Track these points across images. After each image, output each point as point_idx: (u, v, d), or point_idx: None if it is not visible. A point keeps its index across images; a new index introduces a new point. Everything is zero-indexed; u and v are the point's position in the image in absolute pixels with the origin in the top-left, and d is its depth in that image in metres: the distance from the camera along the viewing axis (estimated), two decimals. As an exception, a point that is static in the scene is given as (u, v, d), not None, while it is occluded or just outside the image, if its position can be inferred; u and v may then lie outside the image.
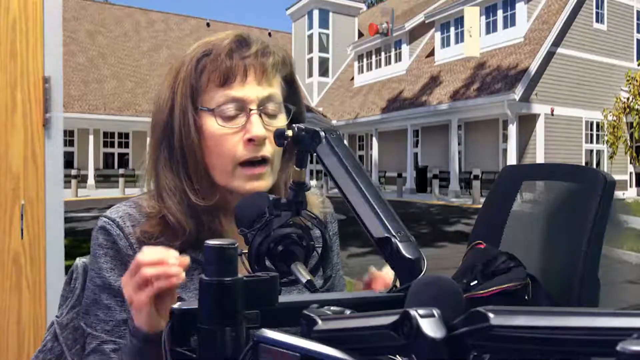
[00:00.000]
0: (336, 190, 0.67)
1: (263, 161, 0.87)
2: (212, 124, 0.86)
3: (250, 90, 0.86)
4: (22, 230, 1.75)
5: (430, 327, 0.35)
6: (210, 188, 0.89)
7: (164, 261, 0.65)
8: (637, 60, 18.81)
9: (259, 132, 0.85)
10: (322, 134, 0.69)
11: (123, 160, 23.67)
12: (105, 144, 23.79)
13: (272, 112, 0.88)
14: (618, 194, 15.10)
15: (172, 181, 0.87)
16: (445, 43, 20.61)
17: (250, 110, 0.86)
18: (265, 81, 0.87)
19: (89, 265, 0.90)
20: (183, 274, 0.64)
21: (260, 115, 0.86)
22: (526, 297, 1.13)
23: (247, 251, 0.67)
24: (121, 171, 19.54)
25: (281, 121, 0.90)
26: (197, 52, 0.87)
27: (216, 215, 0.91)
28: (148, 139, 0.94)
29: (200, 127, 0.86)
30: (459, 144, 18.60)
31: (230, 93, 0.85)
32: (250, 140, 0.85)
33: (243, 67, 0.85)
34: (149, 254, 0.66)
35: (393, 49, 23.23)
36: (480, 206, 1.54)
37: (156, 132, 0.89)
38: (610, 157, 17.88)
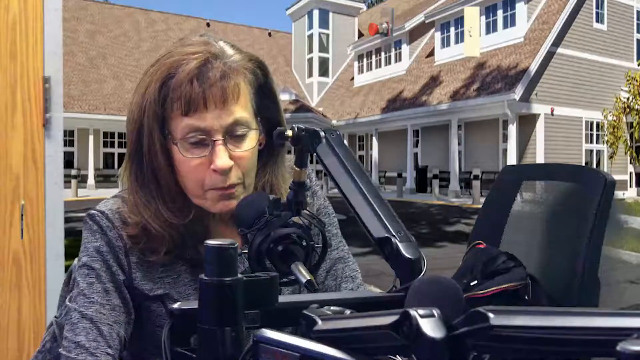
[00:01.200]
0: (336, 190, 0.67)
1: (231, 185, 0.86)
2: (179, 153, 0.84)
3: (213, 119, 0.82)
4: (22, 230, 1.75)
5: (430, 327, 0.35)
6: (185, 205, 0.88)
7: None
8: (637, 60, 18.81)
9: (223, 164, 0.82)
10: (322, 134, 0.69)
11: (123, 161, 23.62)
12: (105, 144, 23.79)
13: (239, 134, 0.85)
14: (618, 194, 15.11)
15: (146, 198, 0.87)
16: (445, 43, 20.61)
17: (215, 141, 0.83)
18: (227, 107, 0.83)
19: (81, 253, 0.89)
20: None
21: (225, 144, 0.83)
22: (526, 297, 1.13)
23: (247, 251, 0.67)
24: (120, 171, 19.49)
25: (251, 140, 0.87)
26: (162, 74, 0.84)
27: (204, 217, 0.91)
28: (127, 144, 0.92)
29: (169, 152, 0.85)
30: (459, 144, 18.60)
31: (193, 123, 0.82)
32: (215, 171, 0.83)
33: (202, 96, 0.81)
34: None
35: (393, 49, 23.23)
36: (480, 206, 1.54)
37: (128, 146, 0.89)
38: (610, 157, 17.88)
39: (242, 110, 0.85)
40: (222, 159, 0.82)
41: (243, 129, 0.85)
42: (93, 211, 0.90)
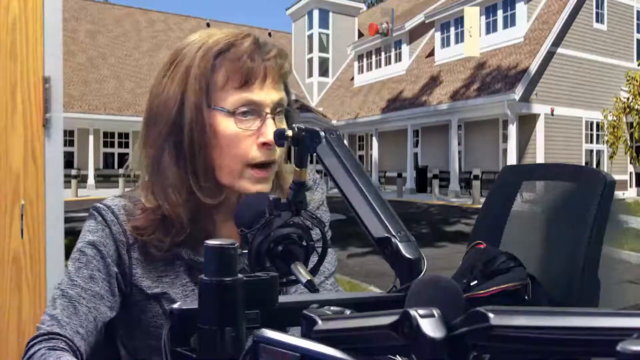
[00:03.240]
0: (336, 190, 0.67)
1: (272, 163, 0.89)
2: (227, 125, 0.86)
3: (267, 94, 0.87)
4: (22, 230, 1.75)
5: (430, 327, 0.35)
6: (216, 186, 0.89)
7: None
8: (637, 60, 18.80)
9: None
10: (322, 134, 0.69)
11: (123, 160, 23.62)
12: (105, 144, 23.78)
13: (281, 115, 0.90)
14: (618, 194, 15.04)
15: (179, 178, 0.87)
16: (445, 43, 20.60)
17: (266, 114, 0.87)
18: (279, 83, 0.89)
19: (79, 239, 0.89)
20: None
21: (274, 119, 0.88)
22: (526, 297, 1.13)
23: (247, 251, 0.67)
24: (121, 171, 19.51)
25: (284, 124, 0.92)
26: (211, 48, 0.87)
27: (211, 214, 0.92)
28: (144, 132, 0.92)
29: (212, 125, 0.86)
30: (459, 144, 18.59)
31: (248, 96, 0.86)
32: (264, 144, 0.86)
33: (264, 70, 0.86)
34: None
35: (393, 49, 23.22)
36: (480, 206, 1.54)
37: (159, 127, 0.88)
38: (610, 157, 17.88)
39: (284, 93, 0.91)
40: (273, 132, 0.86)
41: (282, 111, 0.90)
42: (99, 204, 0.91)
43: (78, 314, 0.82)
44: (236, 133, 0.86)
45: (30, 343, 0.79)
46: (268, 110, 0.87)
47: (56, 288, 0.85)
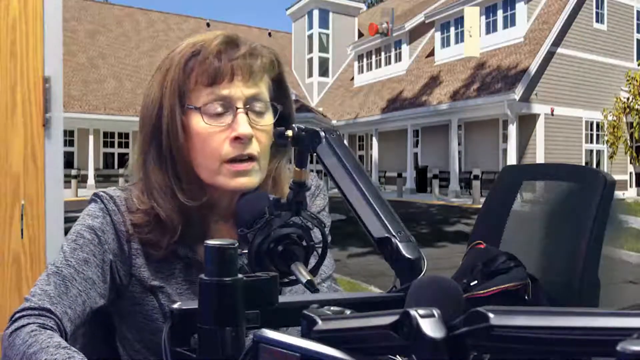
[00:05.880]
0: (336, 190, 0.67)
1: (249, 158, 0.87)
2: (198, 123, 0.86)
3: (237, 89, 0.86)
4: (22, 230, 1.75)
5: (430, 327, 0.35)
6: (199, 187, 0.89)
7: None
8: (637, 60, 18.80)
9: (246, 130, 0.85)
10: (322, 134, 0.69)
11: (123, 160, 23.59)
12: (105, 144, 23.78)
13: (259, 110, 0.89)
14: (618, 194, 15.00)
15: (163, 180, 0.88)
16: (445, 43, 20.60)
17: (237, 108, 0.86)
18: (252, 81, 0.88)
19: (77, 222, 0.88)
20: None
21: (247, 114, 0.87)
22: (526, 297, 1.13)
23: (247, 251, 0.67)
24: (121, 171, 19.49)
25: (268, 120, 0.90)
26: (186, 52, 0.88)
27: (205, 213, 0.92)
28: (138, 136, 0.94)
29: (187, 126, 0.87)
30: (459, 144, 18.59)
31: (216, 91, 0.86)
32: (236, 138, 0.85)
33: (230, 68, 0.86)
34: None
35: (393, 49, 23.22)
36: (480, 206, 1.54)
37: (145, 131, 0.90)
38: (610, 157, 17.87)
39: (264, 89, 0.90)
40: (244, 126, 0.86)
41: (262, 106, 0.89)
42: (102, 192, 0.91)
43: (69, 294, 0.81)
44: (208, 130, 0.86)
45: (19, 314, 0.76)
46: (239, 104, 0.86)
47: (51, 265, 0.84)
